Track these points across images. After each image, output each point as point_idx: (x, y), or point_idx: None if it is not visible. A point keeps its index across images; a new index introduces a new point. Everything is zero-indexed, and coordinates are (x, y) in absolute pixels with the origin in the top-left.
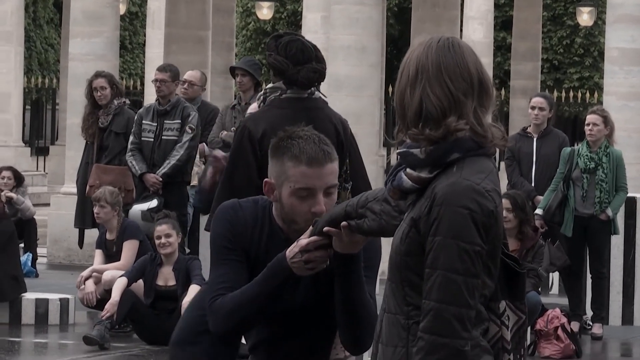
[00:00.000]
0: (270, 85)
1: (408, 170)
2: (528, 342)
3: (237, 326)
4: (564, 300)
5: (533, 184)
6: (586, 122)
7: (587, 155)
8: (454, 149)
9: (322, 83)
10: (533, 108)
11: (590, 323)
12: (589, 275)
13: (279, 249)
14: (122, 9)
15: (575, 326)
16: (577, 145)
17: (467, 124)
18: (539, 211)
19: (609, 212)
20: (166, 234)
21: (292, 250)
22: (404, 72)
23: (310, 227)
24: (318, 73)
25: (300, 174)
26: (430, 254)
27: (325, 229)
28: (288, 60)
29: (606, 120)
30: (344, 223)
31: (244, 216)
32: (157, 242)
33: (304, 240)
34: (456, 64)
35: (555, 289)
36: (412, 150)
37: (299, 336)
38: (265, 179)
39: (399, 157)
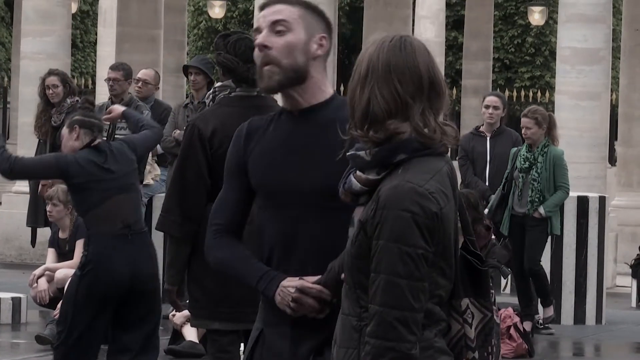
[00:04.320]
0: (219, 83)
1: (357, 172)
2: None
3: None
4: (517, 300)
5: (487, 183)
6: (520, 125)
7: (524, 155)
8: (399, 150)
9: None
10: (487, 107)
11: (542, 323)
12: None
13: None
14: (74, 7)
15: (527, 326)
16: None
17: (411, 126)
18: (486, 210)
19: (542, 210)
20: None
21: (290, 280)
22: (356, 70)
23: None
24: None
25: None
26: (374, 257)
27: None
28: (237, 59)
29: (538, 122)
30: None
31: (254, 122)
32: None
33: (307, 282)
34: (405, 66)
35: (507, 289)
36: (359, 152)
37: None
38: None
39: (349, 160)
